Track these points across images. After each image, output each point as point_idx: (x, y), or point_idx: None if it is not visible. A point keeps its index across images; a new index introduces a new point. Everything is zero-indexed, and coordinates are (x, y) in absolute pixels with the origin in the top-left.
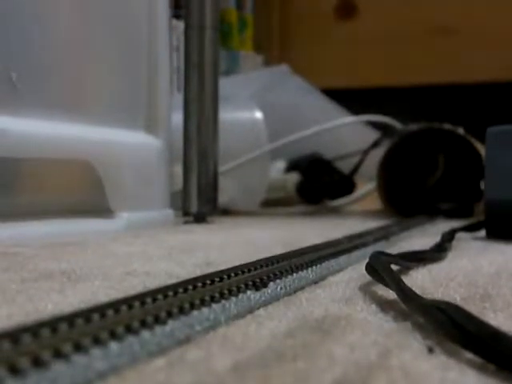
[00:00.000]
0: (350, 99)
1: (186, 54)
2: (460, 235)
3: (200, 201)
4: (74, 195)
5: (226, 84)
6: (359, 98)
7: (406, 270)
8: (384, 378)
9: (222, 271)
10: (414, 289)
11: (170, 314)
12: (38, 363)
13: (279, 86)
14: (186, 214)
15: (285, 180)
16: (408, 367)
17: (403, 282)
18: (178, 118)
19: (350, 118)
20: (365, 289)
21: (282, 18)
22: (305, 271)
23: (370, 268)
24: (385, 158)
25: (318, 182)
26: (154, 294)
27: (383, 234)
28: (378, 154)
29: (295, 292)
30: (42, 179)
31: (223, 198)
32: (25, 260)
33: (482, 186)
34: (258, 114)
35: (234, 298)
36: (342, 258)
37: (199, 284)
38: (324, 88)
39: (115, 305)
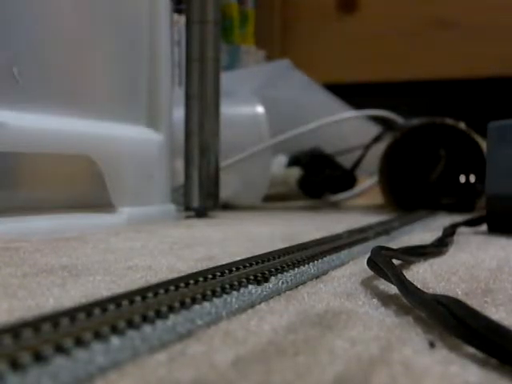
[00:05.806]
0: (352, 94)
1: (188, 49)
2: (461, 230)
3: (201, 196)
4: (75, 190)
5: (227, 79)
6: (360, 93)
7: (407, 264)
8: (385, 373)
9: (223, 266)
10: (415, 283)
11: (171, 309)
12: (38, 358)
13: (281, 81)
14: (187, 208)
15: (286, 175)
16: (409, 362)
17: (404, 276)
18: (179, 112)
19: (351, 113)
20: (366, 283)
21: (284, 13)
22: (306, 266)
23: (371, 262)
24: (386, 153)
25: (319, 177)
26: (155, 288)
27: (384, 229)
28: (379, 149)
29: (297, 287)
30: (43, 174)
31: (225, 193)
32: (26, 255)
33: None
34: (260, 109)
35: (235, 293)
36: (344, 253)
37: (201, 278)
38: (325, 82)
39: (116, 299)
